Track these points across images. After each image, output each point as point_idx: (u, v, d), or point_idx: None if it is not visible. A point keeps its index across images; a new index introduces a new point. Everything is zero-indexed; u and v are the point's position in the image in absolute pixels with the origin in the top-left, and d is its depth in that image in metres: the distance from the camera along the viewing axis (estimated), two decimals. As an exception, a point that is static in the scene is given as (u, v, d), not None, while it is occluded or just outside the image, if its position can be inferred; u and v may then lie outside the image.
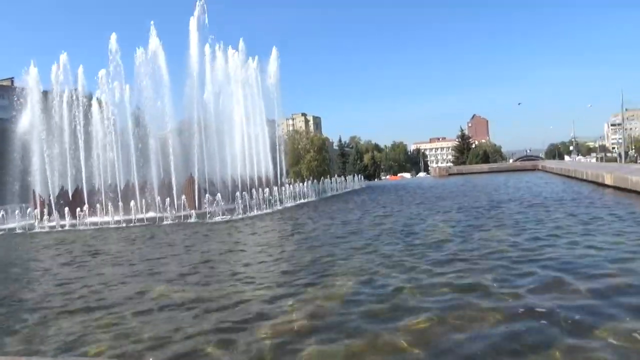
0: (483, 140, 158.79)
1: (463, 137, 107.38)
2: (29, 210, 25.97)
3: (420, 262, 7.97)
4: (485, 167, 64.58)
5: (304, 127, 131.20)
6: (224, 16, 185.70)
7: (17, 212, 24.57)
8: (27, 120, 28.01)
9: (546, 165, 48.05)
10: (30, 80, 28.84)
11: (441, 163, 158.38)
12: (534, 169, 52.77)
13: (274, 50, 34.64)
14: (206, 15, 26.85)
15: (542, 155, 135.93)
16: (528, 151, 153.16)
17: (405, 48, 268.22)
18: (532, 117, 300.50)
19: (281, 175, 34.45)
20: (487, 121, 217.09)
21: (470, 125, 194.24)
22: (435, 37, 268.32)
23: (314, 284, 7.03)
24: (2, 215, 24.47)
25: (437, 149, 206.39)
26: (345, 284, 6.96)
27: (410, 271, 7.36)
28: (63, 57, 28.06)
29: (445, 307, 5.37)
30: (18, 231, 21.98)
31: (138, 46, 26.70)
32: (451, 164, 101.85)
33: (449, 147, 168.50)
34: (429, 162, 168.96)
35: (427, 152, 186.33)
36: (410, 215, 15.61)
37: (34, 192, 26.85)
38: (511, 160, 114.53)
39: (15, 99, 29.72)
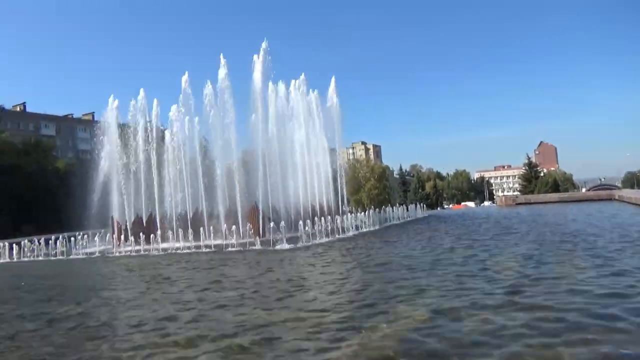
0: (552, 168, 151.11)
1: (530, 165, 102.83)
2: (107, 235, 27.73)
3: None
4: (555, 196, 61.24)
5: (364, 156, 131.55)
6: (286, 47, 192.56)
7: (96, 237, 26.35)
8: (106, 152, 30.32)
9: (624, 195, 44.64)
10: (109, 115, 31.38)
11: (507, 192, 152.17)
12: (609, 199, 49.29)
13: (333, 81, 35.45)
14: (268, 54, 27.89)
15: (618, 184, 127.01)
16: (602, 180, 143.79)
17: (466, 76, 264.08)
18: (606, 143, 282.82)
19: (342, 203, 34.60)
20: (556, 148, 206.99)
21: (537, 152, 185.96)
22: (497, 64, 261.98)
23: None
24: (86, 239, 26.32)
25: (502, 177, 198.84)
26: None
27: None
28: (141, 93, 30.33)
29: None
30: (98, 255, 23.51)
31: (207, 81, 28.34)
32: (518, 193, 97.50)
33: (514, 176, 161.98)
34: (494, 191, 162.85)
35: (491, 181, 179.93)
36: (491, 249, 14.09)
37: (112, 218, 28.68)
38: (584, 190, 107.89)
39: (96, 132, 32.35)
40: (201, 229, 23.64)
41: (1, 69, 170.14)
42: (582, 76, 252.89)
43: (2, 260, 24.97)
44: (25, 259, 25.08)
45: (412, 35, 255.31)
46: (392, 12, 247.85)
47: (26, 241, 26.94)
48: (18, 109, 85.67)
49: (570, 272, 9.44)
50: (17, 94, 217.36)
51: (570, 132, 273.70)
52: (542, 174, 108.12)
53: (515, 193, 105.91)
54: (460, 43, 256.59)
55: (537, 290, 7.91)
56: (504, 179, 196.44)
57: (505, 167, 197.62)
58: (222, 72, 27.88)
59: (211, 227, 24.04)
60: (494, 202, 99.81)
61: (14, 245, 26.16)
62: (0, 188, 52.12)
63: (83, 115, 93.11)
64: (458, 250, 14.40)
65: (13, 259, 25.23)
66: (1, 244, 26.14)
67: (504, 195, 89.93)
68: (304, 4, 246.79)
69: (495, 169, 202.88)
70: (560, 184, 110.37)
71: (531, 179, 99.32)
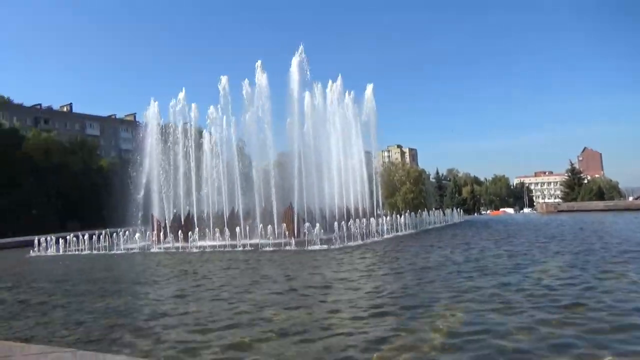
0: (597, 176, 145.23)
1: (573, 172, 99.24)
2: (147, 232, 28.56)
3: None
4: (600, 204, 58.82)
5: (399, 159, 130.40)
6: (323, 47, 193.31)
7: (137, 234, 27.21)
8: (147, 151, 31.25)
9: (676, 204, 42.45)
10: (149, 116, 32.35)
11: (548, 199, 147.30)
12: (660, 208, 47.00)
13: (370, 85, 35.29)
14: (304, 56, 27.97)
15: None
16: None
17: (504, 78, 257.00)
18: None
19: (377, 206, 34.38)
20: (601, 155, 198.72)
21: (581, 159, 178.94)
22: (539, 67, 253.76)
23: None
24: (127, 235, 27.24)
25: (542, 183, 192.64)
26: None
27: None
28: (182, 94, 31.12)
29: None
30: (137, 251, 24.26)
31: (244, 83, 28.74)
32: (559, 200, 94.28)
33: (556, 182, 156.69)
34: (533, 198, 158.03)
35: (531, 187, 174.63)
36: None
37: (152, 216, 29.52)
38: (631, 198, 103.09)
39: (137, 132, 33.41)
40: (237, 228, 24.03)
41: (50, 70, 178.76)
42: (630, 79, 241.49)
43: (49, 253, 26.11)
44: (69, 253, 26.17)
45: (452, 35, 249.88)
46: (433, 10, 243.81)
47: (71, 236, 28.12)
48: (65, 109, 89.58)
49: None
50: (64, 95, 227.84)
51: (616, 138, 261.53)
52: (585, 181, 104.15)
53: (557, 200, 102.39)
54: (503, 45, 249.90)
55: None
56: (545, 186, 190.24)
57: (547, 174, 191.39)
58: (260, 74, 28.27)
59: (247, 227, 24.35)
60: (534, 209, 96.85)
61: (60, 239, 27.39)
62: (49, 187, 54.72)
63: (125, 115, 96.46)
64: (499, 259, 14.01)
65: (59, 252, 26.38)
66: (49, 238, 27.37)
67: (544, 202, 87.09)
68: (342, 4, 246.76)
69: (536, 174, 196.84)
70: (605, 191, 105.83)
71: (574, 186, 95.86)
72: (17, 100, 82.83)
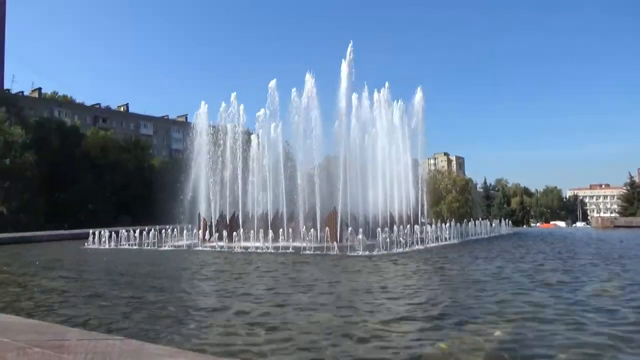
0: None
1: (632, 185, 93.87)
2: (194, 231, 29.37)
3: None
4: (661, 220, 55.29)
5: (446, 167, 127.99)
6: (372, 50, 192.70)
7: (185, 231, 28.06)
8: (196, 152, 32.17)
9: None
10: (200, 117, 33.33)
11: (603, 213, 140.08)
12: None
13: (419, 91, 34.70)
14: (353, 60, 27.84)
15: None
16: None
17: (561, 87, 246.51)
18: None
19: (421, 214, 33.84)
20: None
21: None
22: (600, 74, 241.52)
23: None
24: (175, 232, 28.15)
25: (598, 196, 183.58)
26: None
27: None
28: (232, 96, 31.89)
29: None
30: (185, 248, 25.02)
31: (293, 89, 29.15)
32: (617, 215, 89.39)
33: (613, 196, 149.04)
34: (588, 211, 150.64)
35: (586, 200, 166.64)
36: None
37: (199, 215, 30.35)
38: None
39: (188, 133, 34.47)
40: (280, 230, 24.32)
41: (110, 71, 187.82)
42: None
43: (103, 247, 27.38)
44: (121, 247, 27.33)
45: (509, 38, 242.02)
46: (488, 11, 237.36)
47: (124, 231, 29.38)
48: (122, 109, 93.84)
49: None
50: (121, 95, 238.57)
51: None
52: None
53: (614, 215, 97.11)
54: (558, 50, 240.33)
55: None
56: (601, 199, 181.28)
57: (603, 186, 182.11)
58: (308, 79, 28.55)
59: (290, 229, 24.59)
60: (588, 223, 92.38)
61: (113, 233, 28.69)
62: (105, 183, 57.51)
63: (178, 116, 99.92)
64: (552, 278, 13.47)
65: (111, 246, 27.62)
66: (103, 232, 28.72)
67: (599, 216, 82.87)
68: (390, 7, 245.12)
69: (591, 187, 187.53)
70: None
71: (633, 201, 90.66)
72: (78, 99, 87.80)
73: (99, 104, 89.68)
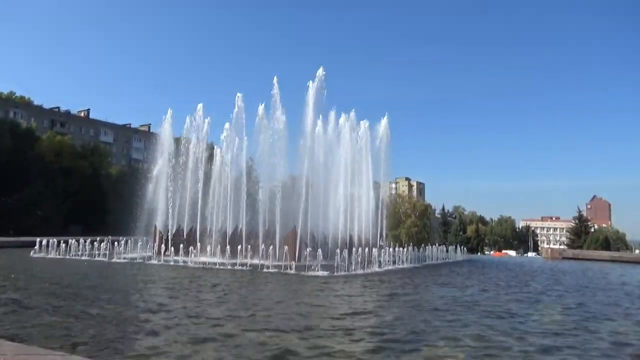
0: (604, 225, 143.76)
1: (580, 219, 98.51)
2: (149, 243, 28.48)
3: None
4: (605, 254, 58.01)
5: (406, 192, 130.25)
6: (339, 76, 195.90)
7: (139, 244, 27.17)
8: (157, 163, 31.41)
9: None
10: (164, 128, 32.62)
11: (553, 244, 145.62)
12: (667, 264, 46.18)
13: (385, 118, 35.26)
14: (322, 83, 28.12)
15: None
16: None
17: (515, 120, 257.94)
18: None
19: (380, 237, 34.15)
20: (610, 204, 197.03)
21: (589, 207, 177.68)
22: (551, 110, 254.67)
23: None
24: (129, 244, 27.16)
25: (549, 228, 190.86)
26: None
27: None
28: (199, 108, 31.47)
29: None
30: (138, 261, 24.19)
31: (259, 104, 29.07)
32: (565, 247, 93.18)
33: (562, 228, 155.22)
34: (538, 242, 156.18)
35: (537, 231, 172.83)
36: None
37: (155, 227, 29.49)
38: (637, 251, 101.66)
39: (150, 143, 33.65)
40: (239, 247, 23.96)
41: (70, 74, 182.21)
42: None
43: (50, 256, 26.10)
44: (70, 257, 26.14)
45: (468, 72, 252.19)
46: (451, 46, 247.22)
47: (73, 241, 28.13)
48: (82, 114, 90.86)
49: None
50: (82, 100, 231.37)
51: (626, 189, 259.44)
52: (592, 230, 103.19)
53: (562, 247, 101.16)
54: (519, 86, 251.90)
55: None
56: (551, 231, 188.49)
57: (554, 219, 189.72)
58: (275, 97, 28.53)
59: (249, 246, 24.27)
60: (538, 254, 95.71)
61: (62, 243, 27.40)
62: (57, 189, 55.06)
63: (140, 125, 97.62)
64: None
65: (60, 255, 26.37)
66: (51, 241, 27.39)
67: (549, 247, 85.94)
68: (359, 38, 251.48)
69: (542, 219, 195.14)
70: (611, 242, 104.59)
71: (580, 234, 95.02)
72: (37, 101, 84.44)
73: (58, 107, 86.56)
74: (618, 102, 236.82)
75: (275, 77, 28.06)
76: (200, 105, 31.60)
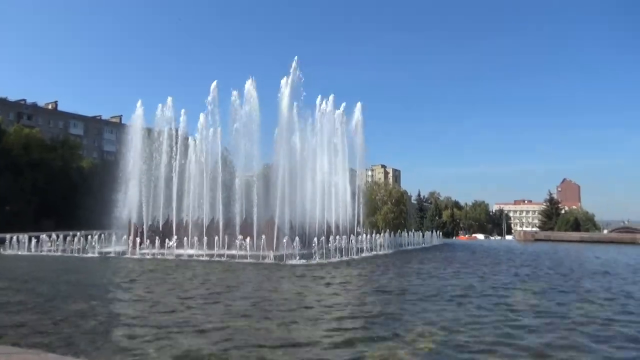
0: (574, 207, 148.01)
1: (552, 202, 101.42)
2: (123, 237, 27.99)
3: None
4: (575, 235, 59.96)
5: (383, 179, 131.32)
6: (314, 63, 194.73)
7: (113, 237, 26.71)
8: (130, 155, 30.74)
9: (649, 239, 43.52)
10: (135, 119, 31.80)
11: (526, 227, 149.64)
12: (633, 243, 48.12)
13: (359, 104, 35.34)
14: (297, 72, 27.99)
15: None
16: (625, 222, 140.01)
17: (489, 106, 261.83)
18: (632, 185, 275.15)
19: (357, 224, 34.41)
20: (579, 187, 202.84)
21: (559, 189, 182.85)
22: (524, 97, 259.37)
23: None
24: (102, 238, 26.64)
25: (521, 211, 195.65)
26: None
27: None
28: (169, 100, 30.87)
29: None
30: (112, 255, 23.81)
31: (233, 93, 28.66)
32: (537, 229, 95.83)
33: (534, 211, 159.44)
34: (512, 225, 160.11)
35: (510, 214, 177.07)
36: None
37: (130, 220, 28.99)
38: (605, 231, 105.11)
39: (122, 134, 32.85)
40: (216, 238, 23.82)
41: (36, 65, 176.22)
42: (610, 116, 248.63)
43: (21, 252, 25.47)
44: (43, 253, 25.55)
45: (444, 60, 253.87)
46: (427, 34, 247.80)
47: (44, 236, 27.48)
48: (50, 106, 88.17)
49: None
50: (50, 92, 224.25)
51: (595, 171, 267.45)
52: (563, 212, 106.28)
53: (535, 229, 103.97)
54: (492, 71, 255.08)
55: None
56: (524, 214, 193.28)
57: (526, 202, 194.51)
58: (249, 85, 28.26)
59: (226, 237, 24.15)
60: (512, 236, 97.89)
61: (33, 238, 26.73)
62: (26, 183, 53.49)
63: (111, 117, 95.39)
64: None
65: (32, 251, 25.75)
66: (22, 237, 26.69)
67: (522, 230, 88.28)
68: (335, 24, 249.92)
69: (515, 202, 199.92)
70: (581, 223, 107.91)
71: (552, 216, 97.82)
72: (1, 94, 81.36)
73: (24, 100, 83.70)
74: (587, 86, 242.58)
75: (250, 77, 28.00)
76: (170, 97, 31.03)
